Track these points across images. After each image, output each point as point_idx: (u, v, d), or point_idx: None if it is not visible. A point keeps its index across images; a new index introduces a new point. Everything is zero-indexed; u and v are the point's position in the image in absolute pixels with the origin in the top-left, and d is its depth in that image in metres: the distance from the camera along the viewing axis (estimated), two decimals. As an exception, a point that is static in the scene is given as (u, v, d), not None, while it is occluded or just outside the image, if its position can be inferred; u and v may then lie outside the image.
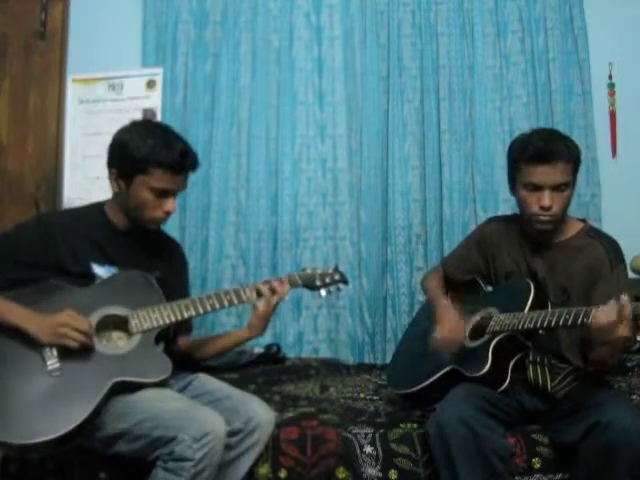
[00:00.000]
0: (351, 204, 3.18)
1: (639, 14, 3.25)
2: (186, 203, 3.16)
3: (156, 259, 2.02)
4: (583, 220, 2.13)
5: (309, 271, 2.17)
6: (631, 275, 2.72)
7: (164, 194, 1.90)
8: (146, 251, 2.01)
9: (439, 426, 1.80)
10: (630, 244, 2.05)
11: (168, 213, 1.93)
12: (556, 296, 1.99)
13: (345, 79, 3.22)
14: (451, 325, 2.06)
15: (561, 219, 1.99)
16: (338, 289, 2.23)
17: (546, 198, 1.92)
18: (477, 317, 2.10)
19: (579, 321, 1.75)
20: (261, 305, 2.03)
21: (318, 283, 2.16)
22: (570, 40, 3.21)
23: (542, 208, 1.94)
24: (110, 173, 1.93)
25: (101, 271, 1.91)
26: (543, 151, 1.92)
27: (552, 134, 2.01)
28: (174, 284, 2.02)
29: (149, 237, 2.02)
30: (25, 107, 3.33)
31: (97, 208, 2.01)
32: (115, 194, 1.96)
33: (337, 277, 2.20)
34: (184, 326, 2.06)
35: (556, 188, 1.93)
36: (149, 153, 1.86)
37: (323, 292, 2.18)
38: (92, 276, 1.89)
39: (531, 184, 1.95)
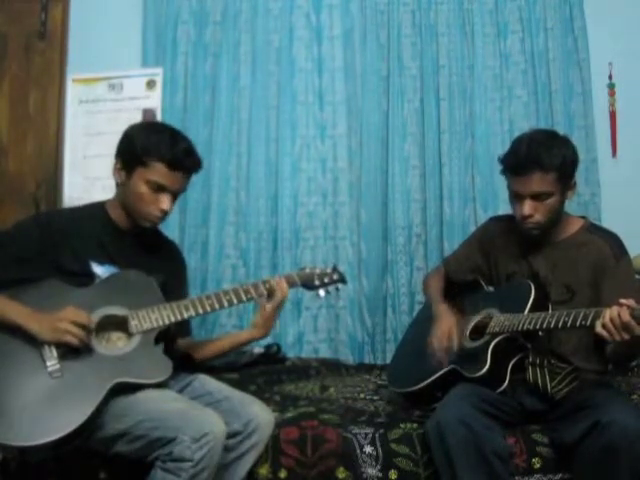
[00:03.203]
0: (351, 204, 3.18)
1: (639, 14, 3.25)
2: (186, 203, 3.16)
3: (156, 260, 2.01)
4: (583, 217, 2.13)
5: (307, 270, 2.14)
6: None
7: (160, 189, 1.90)
8: (146, 252, 2.00)
9: (439, 426, 1.80)
10: (630, 244, 2.05)
11: (163, 211, 1.92)
12: (560, 294, 1.99)
13: (345, 79, 3.22)
14: (447, 328, 2.06)
15: (548, 224, 1.99)
16: (337, 289, 2.21)
17: (525, 207, 1.95)
18: (477, 317, 2.10)
19: (578, 323, 1.75)
20: (268, 304, 2.02)
21: (317, 283, 2.14)
22: (570, 40, 3.21)
23: (523, 217, 1.96)
24: (115, 164, 1.94)
25: (100, 270, 1.90)
26: (518, 163, 1.94)
27: (539, 141, 1.96)
28: (173, 286, 2.00)
29: (149, 238, 2.02)
30: (25, 107, 3.33)
31: (98, 207, 2.01)
32: (117, 188, 1.97)
33: (336, 277, 2.18)
34: (183, 328, 2.06)
35: (536, 197, 1.94)
36: (151, 145, 1.88)
37: (322, 292, 2.16)
38: (91, 275, 1.89)
39: (513, 192, 1.99)
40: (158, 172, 1.88)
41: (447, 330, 2.05)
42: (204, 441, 1.65)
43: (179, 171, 1.91)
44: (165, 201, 1.91)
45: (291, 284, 2.08)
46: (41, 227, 1.89)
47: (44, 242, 1.86)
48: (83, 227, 1.93)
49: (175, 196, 1.95)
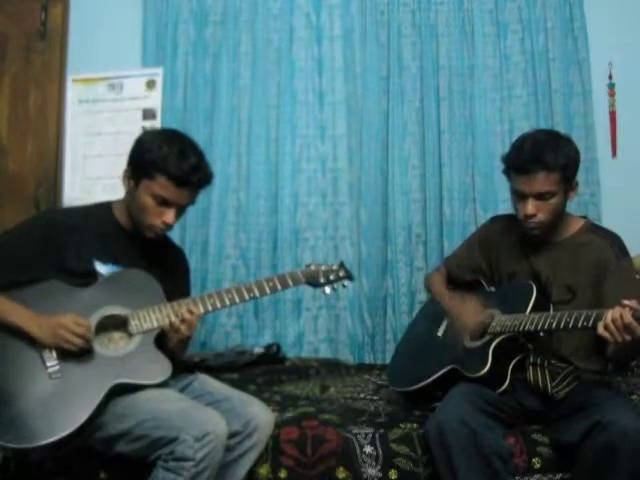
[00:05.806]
0: (351, 204, 3.18)
1: (639, 14, 3.25)
2: (186, 203, 3.16)
3: (159, 264, 1.99)
4: (584, 217, 2.13)
5: (313, 268, 2.12)
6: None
7: (165, 203, 1.88)
8: (150, 255, 1.98)
9: (439, 426, 1.80)
10: (630, 244, 2.05)
11: (166, 224, 1.90)
12: (561, 295, 1.99)
13: (345, 79, 3.22)
14: (471, 308, 2.08)
15: (551, 224, 1.99)
16: (343, 286, 2.18)
17: (529, 207, 1.95)
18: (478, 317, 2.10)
19: (580, 325, 1.75)
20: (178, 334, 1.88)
21: (322, 280, 2.11)
22: (570, 40, 3.21)
23: (526, 216, 1.96)
24: (125, 171, 1.93)
25: (104, 269, 1.90)
26: (523, 162, 1.94)
27: (543, 141, 1.97)
28: (175, 291, 1.98)
29: (154, 242, 1.99)
30: (25, 107, 3.33)
31: (104, 207, 2.00)
32: (125, 193, 1.96)
33: (342, 274, 2.15)
34: None
35: (540, 197, 1.94)
36: (159, 159, 1.85)
37: (327, 289, 2.13)
38: (95, 274, 1.88)
39: (516, 192, 1.99)
40: (164, 187, 1.86)
41: (471, 310, 2.08)
42: (206, 440, 1.66)
43: (185, 187, 1.89)
44: (170, 215, 1.89)
45: (296, 282, 2.06)
46: (44, 226, 1.89)
47: (47, 241, 1.85)
48: (87, 226, 1.92)
49: (182, 209, 1.94)
